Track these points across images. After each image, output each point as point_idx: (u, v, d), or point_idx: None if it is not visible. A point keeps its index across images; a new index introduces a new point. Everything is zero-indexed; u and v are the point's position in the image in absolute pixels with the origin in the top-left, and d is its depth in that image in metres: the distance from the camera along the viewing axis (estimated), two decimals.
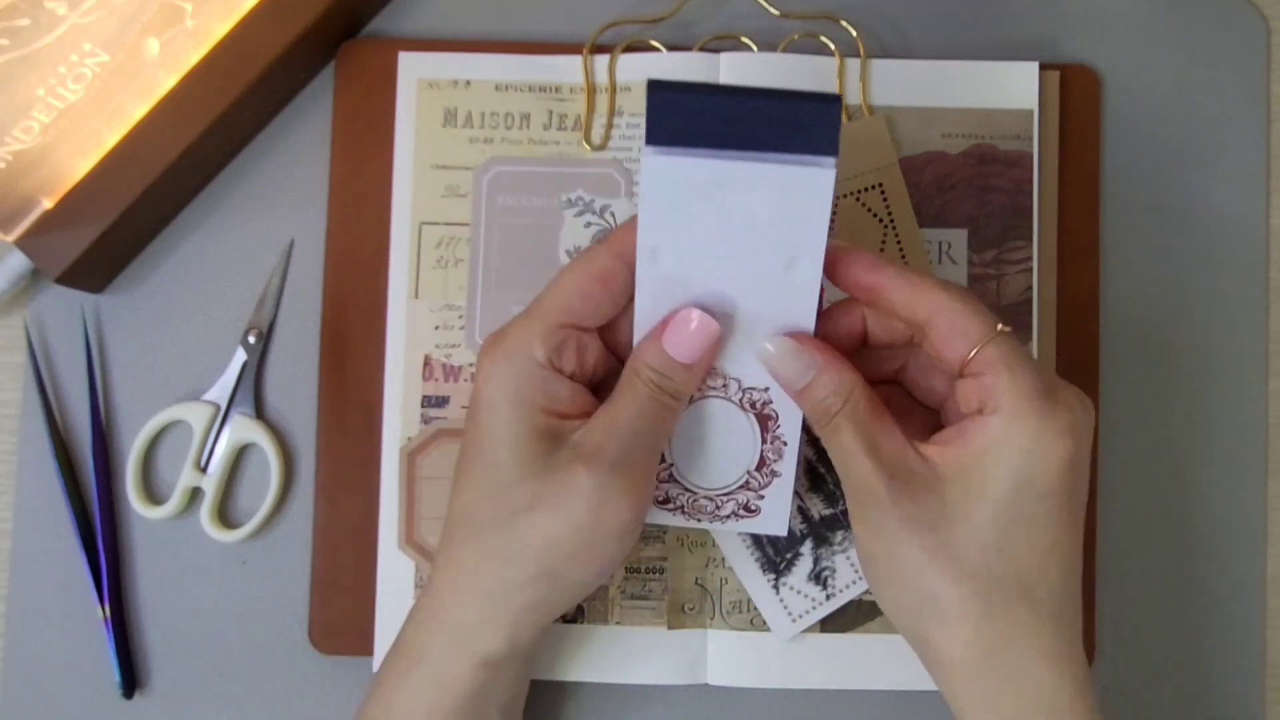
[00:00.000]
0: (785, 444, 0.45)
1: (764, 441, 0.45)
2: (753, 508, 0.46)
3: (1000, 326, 0.40)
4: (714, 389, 0.44)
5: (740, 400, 0.44)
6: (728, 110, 0.37)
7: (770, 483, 0.46)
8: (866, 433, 0.41)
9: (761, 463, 0.45)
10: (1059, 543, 0.39)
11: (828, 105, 0.37)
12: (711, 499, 0.46)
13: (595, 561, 0.42)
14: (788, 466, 0.45)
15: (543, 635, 0.44)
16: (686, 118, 0.37)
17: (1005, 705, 0.39)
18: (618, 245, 0.42)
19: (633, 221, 0.40)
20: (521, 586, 0.42)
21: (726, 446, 0.45)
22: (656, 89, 0.37)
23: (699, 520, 0.47)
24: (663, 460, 0.46)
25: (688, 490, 0.46)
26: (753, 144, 0.37)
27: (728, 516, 0.47)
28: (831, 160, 0.37)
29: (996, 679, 0.39)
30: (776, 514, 0.46)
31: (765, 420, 0.44)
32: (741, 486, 0.46)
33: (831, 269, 0.42)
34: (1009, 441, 0.39)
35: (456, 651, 0.42)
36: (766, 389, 0.43)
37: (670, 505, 0.47)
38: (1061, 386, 0.40)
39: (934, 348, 0.41)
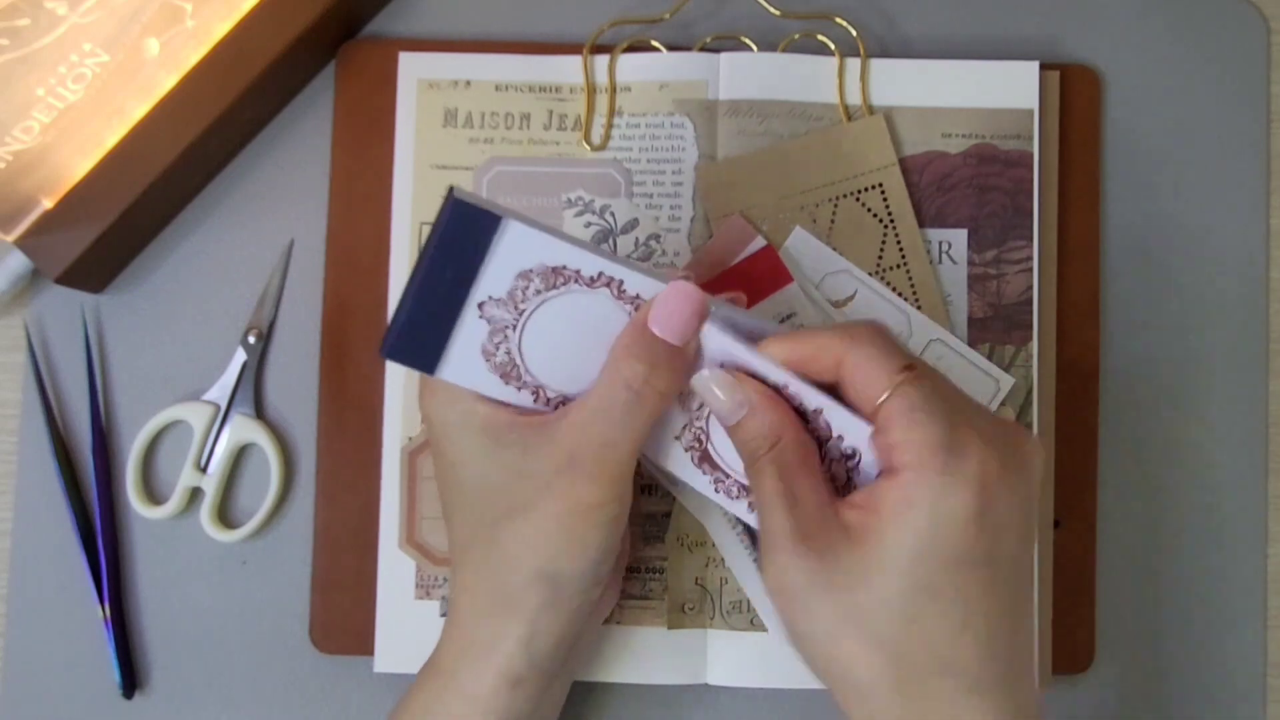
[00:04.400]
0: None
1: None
2: None
3: (903, 374, 0.37)
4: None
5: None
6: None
7: None
8: (788, 482, 0.39)
9: None
10: (970, 620, 0.36)
11: None
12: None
13: (587, 552, 0.41)
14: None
15: (569, 649, 0.44)
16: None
17: None
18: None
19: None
20: (524, 591, 0.42)
21: None
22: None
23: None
24: (707, 437, 0.43)
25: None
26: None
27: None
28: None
29: None
30: None
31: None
32: None
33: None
34: (910, 504, 0.36)
35: (483, 671, 0.42)
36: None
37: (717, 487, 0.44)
38: (968, 432, 0.37)
39: (853, 402, 0.39)
